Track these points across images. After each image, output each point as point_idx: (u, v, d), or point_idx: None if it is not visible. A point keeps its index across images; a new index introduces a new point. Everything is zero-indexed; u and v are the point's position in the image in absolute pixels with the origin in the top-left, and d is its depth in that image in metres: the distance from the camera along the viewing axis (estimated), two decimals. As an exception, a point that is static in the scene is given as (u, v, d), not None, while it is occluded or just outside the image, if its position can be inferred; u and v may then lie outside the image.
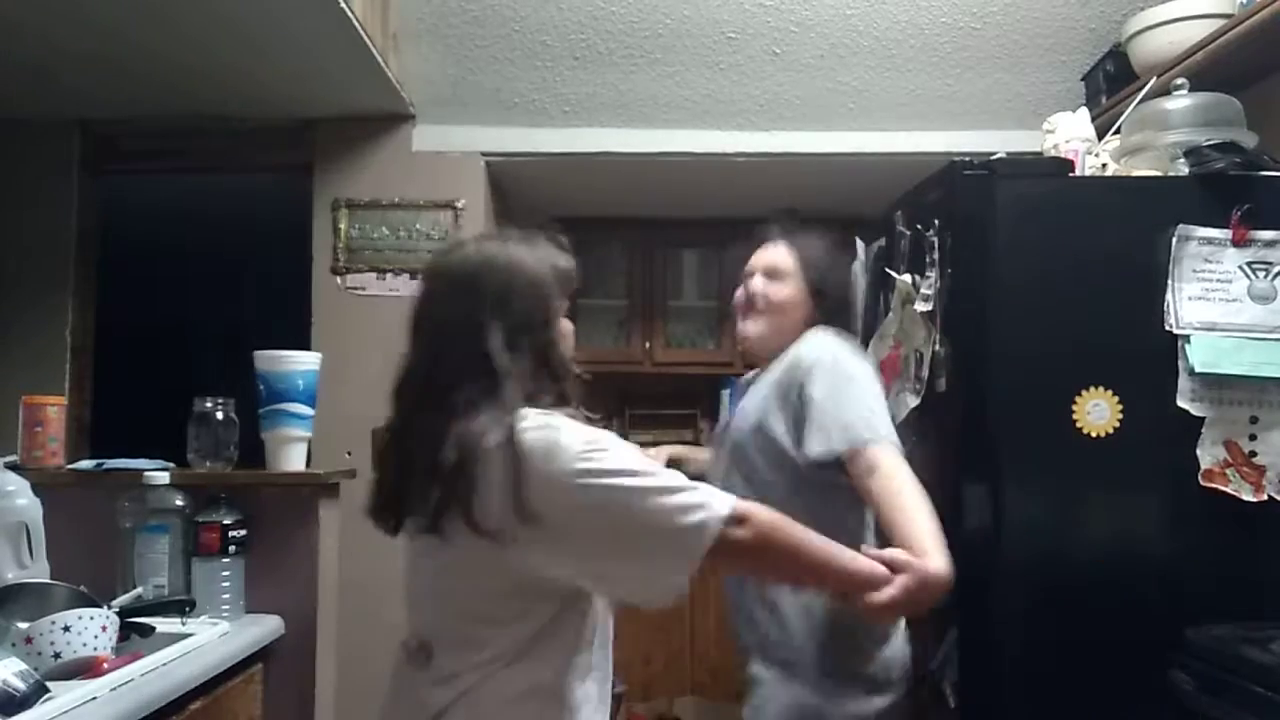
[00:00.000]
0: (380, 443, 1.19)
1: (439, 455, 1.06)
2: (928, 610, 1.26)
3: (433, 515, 1.07)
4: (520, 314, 1.13)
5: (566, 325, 1.22)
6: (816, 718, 1.52)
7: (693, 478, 1.10)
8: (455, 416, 1.08)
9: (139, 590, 1.79)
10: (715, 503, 1.06)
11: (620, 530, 1.04)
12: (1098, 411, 1.76)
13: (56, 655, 1.41)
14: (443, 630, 1.15)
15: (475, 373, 1.10)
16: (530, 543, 1.04)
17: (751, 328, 1.67)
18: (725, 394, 3.77)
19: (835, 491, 1.51)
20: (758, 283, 1.65)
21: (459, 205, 3.10)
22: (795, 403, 1.52)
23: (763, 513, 1.10)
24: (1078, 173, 2.04)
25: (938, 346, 1.91)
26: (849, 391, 1.49)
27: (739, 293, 1.70)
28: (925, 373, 1.94)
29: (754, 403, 1.65)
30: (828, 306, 1.67)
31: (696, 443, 3.65)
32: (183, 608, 1.77)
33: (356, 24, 2.37)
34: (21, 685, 1.24)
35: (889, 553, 1.24)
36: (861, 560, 1.20)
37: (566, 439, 1.05)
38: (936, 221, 1.92)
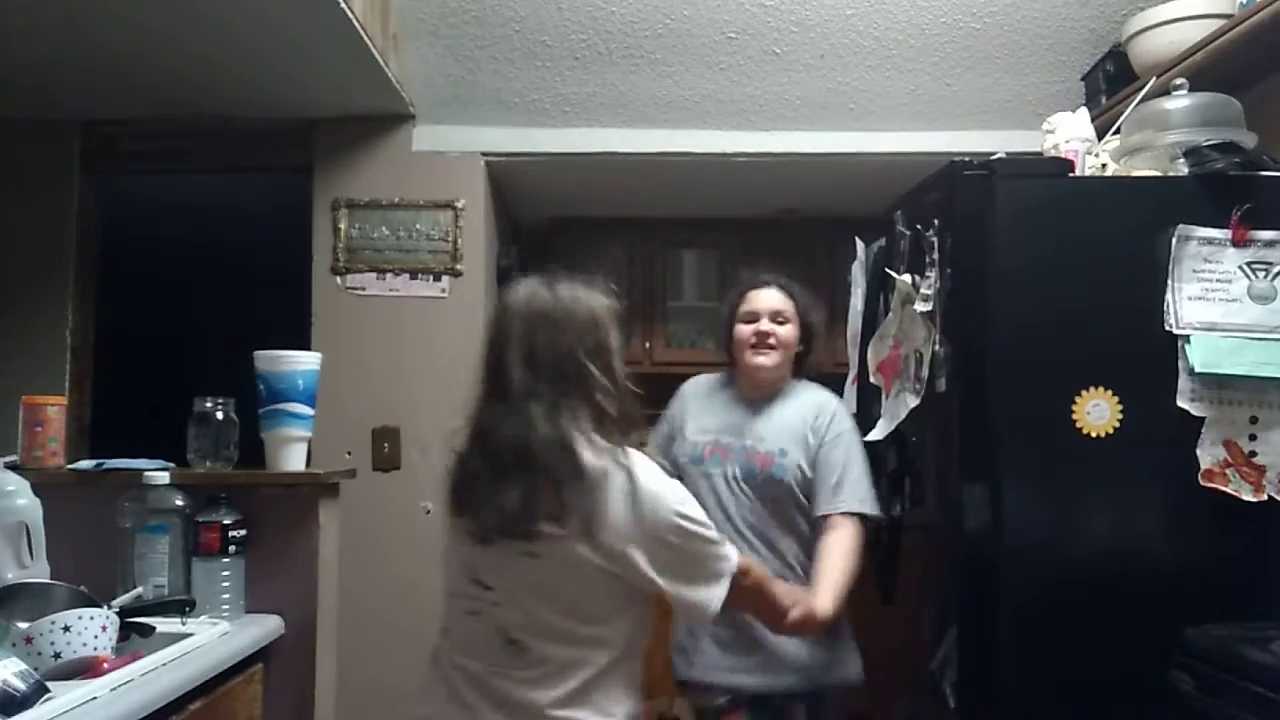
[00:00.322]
0: (490, 448, 1.35)
1: (557, 468, 1.28)
2: (815, 630, 1.71)
3: (543, 520, 1.27)
4: (601, 339, 1.38)
5: None
6: (842, 656, 1.89)
7: None
8: (563, 424, 1.30)
9: (139, 590, 1.79)
10: (732, 556, 1.40)
11: (690, 562, 1.36)
12: (1098, 411, 1.76)
13: (56, 655, 1.41)
14: (541, 626, 1.31)
15: (575, 386, 1.33)
16: (632, 555, 1.30)
17: (768, 361, 1.95)
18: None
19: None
20: (768, 324, 1.95)
21: (459, 205, 3.10)
22: (824, 458, 1.89)
23: (756, 567, 1.50)
24: (1078, 173, 2.04)
25: (938, 346, 1.91)
26: (866, 466, 1.93)
27: (746, 330, 1.97)
28: (925, 373, 1.94)
29: (779, 436, 1.92)
30: (809, 339, 2.02)
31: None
32: (183, 608, 1.77)
33: (356, 24, 2.37)
34: (21, 685, 1.24)
35: (795, 589, 1.66)
36: (788, 595, 1.57)
37: (670, 485, 1.36)
38: (936, 222, 1.92)
